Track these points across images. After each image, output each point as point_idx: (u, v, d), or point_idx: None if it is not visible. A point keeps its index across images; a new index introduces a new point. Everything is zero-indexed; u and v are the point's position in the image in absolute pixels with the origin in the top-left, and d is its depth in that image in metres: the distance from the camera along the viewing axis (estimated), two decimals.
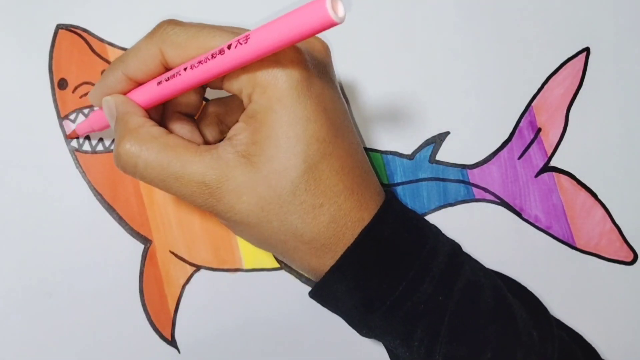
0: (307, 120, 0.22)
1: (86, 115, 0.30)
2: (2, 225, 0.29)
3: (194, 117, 0.27)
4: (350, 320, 0.27)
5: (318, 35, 0.19)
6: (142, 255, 0.30)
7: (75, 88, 0.30)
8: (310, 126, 0.22)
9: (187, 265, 0.31)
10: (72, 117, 0.30)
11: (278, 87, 0.22)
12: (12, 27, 0.29)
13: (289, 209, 0.23)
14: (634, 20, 0.33)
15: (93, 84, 0.30)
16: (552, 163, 0.33)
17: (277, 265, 0.31)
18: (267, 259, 0.31)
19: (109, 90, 0.25)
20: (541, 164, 0.33)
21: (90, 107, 0.30)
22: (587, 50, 0.33)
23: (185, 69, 0.22)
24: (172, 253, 0.31)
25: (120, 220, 0.30)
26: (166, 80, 0.23)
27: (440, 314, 0.25)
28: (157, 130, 0.24)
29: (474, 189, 0.33)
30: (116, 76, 0.25)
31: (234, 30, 0.23)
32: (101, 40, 0.30)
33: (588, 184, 0.33)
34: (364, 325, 0.26)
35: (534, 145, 0.33)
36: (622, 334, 0.34)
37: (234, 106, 0.27)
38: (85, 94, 0.30)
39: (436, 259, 0.26)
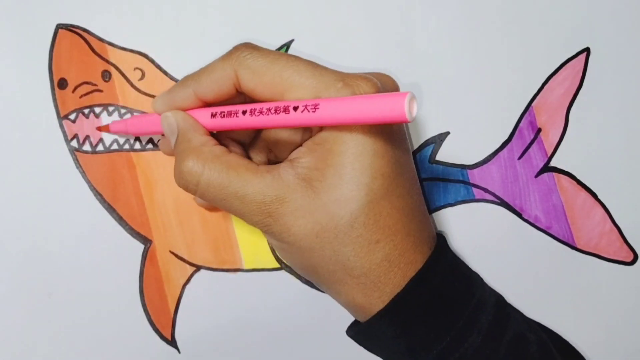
0: (374, 155, 0.22)
1: (86, 115, 0.30)
2: (2, 225, 0.29)
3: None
4: None
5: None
6: (142, 256, 0.30)
7: (75, 88, 0.30)
8: (377, 161, 0.22)
9: (187, 266, 0.31)
10: (71, 117, 0.30)
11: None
12: (12, 27, 0.29)
13: (344, 240, 0.23)
14: (634, 20, 0.33)
15: (93, 84, 0.30)
16: (552, 163, 0.33)
17: (277, 265, 0.31)
18: (267, 259, 0.31)
19: (174, 104, 0.26)
20: (541, 164, 0.33)
21: (90, 106, 0.30)
22: (587, 50, 0.33)
23: (244, 112, 0.23)
24: (172, 253, 0.31)
25: (120, 220, 0.30)
26: (221, 116, 0.24)
27: None
28: (219, 149, 0.24)
29: (474, 189, 0.33)
30: (186, 92, 0.25)
31: (311, 62, 0.23)
32: (101, 40, 0.30)
33: (588, 184, 0.33)
34: None
35: (534, 145, 0.33)
36: (622, 334, 0.34)
37: (285, 137, 0.27)
38: (86, 94, 0.30)
39: (484, 310, 0.26)
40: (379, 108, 0.18)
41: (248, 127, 0.23)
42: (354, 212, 0.22)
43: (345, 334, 0.29)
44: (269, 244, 0.31)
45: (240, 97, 0.25)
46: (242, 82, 0.24)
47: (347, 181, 0.22)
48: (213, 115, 0.24)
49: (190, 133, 0.24)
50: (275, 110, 0.21)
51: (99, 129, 0.30)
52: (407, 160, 0.25)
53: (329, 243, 0.23)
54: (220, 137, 0.27)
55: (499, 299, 0.29)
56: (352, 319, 0.29)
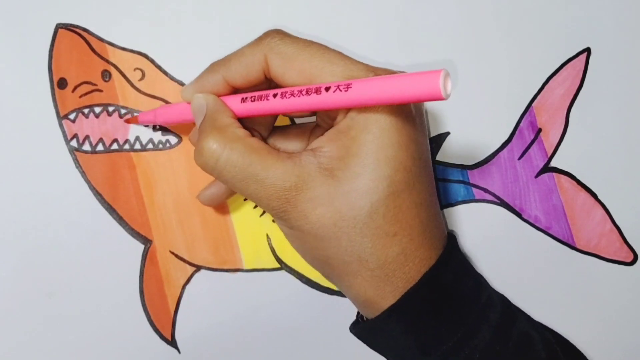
0: (399, 147, 0.22)
1: (86, 115, 0.30)
2: (1, 225, 0.29)
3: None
4: (400, 358, 0.27)
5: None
6: (143, 256, 0.30)
7: (75, 87, 0.30)
8: (401, 153, 0.22)
9: (187, 266, 0.31)
10: (71, 116, 0.30)
11: (379, 109, 0.22)
12: (11, 26, 0.29)
13: (362, 230, 0.23)
14: (635, 20, 0.34)
15: (93, 84, 0.30)
16: (552, 163, 0.33)
17: (277, 265, 0.32)
18: (267, 260, 0.31)
19: (203, 90, 0.26)
20: (541, 165, 0.33)
21: (90, 106, 0.30)
22: (587, 50, 0.34)
23: (274, 96, 0.22)
24: (172, 253, 0.31)
25: (120, 220, 0.30)
26: (251, 101, 0.23)
27: None
28: (242, 131, 0.24)
29: (474, 190, 0.33)
30: (215, 78, 0.25)
31: (340, 52, 0.23)
32: (101, 39, 0.30)
33: (588, 185, 0.34)
34: None
35: (534, 145, 0.33)
36: (622, 334, 0.34)
37: (304, 129, 0.28)
38: (85, 94, 0.30)
39: (493, 308, 0.26)
40: (414, 86, 0.18)
41: (278, 111, 0.23)
42: (375, 203, 0.22)
43: (342, 333, 0.29)
44: (284, 235, 0.31)
45: (267, 83, 0.25)
46: (271, 68, 0.24)
47: (369, 171, 0.22)
48: (243, 100, 0.24)
49: (217, 114, 0.24)
50: (307, 92, 0.21)
51: (127, 121, 0.30)
52: (428, 156, 0.25)
53: (346, 233, 0.23)
54: (244, 125, 0.27)
55: (503, 299, 0.29)
56: (350, 319, 0.29)
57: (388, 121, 0.22)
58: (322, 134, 0.24)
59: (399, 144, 0.22)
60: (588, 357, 0.33)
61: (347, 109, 0.23)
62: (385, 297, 0.24)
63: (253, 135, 0.25)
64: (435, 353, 0.25)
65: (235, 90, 0.26)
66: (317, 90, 0.21)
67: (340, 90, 0.20)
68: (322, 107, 0.21)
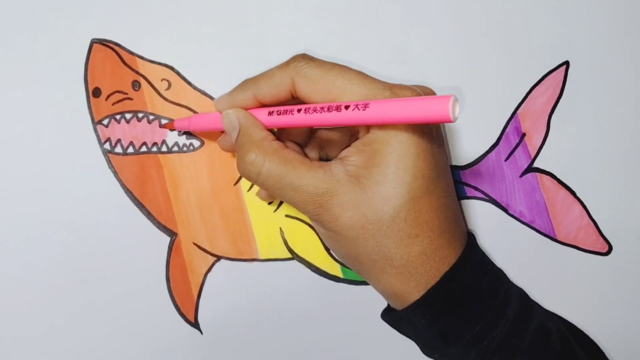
0: (417, 157, 0.23)
1: (118, 121, 0.30)
2: (43, 221, 0.30)
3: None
4: (425, 345, 0.27)
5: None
6: (169, 247, 0.31)
7: (108, 96, 0.30)
8: (419, 162, 0.23)
9: (209, 256, 0.32)
10: (105, 122, 0.30)
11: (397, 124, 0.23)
12: (52, 41, 0.30)
13: (386, 232, 0.23)
14: (608, 37, 0.34)
15: (124, 93, 0.30)
16: (535, 164, 0.34)
17: (289, 255, 0.32)
18: (280, 250, 0.32)
19: (234, 104, 0.27)
20: (525, 165, 0.34)
21: (121, 113, 0.30)
22: (566, 63, 0.34)
23: (299, 110, 0.23)
24: (195, 244, 0.31)
25: (148, 215, 0.31)
26: (277, 114, 0.24)
27: (513, 354, 0.26)
28: (277, 144, 0.25)
29: (466, 188, 0.34)
30: (246, 95, 0.26)
31: (361, 72, 0.24)
32: (131, 53, 0.31)
33: (568, 183, 0.34)
34: (438, 352, 0.27)
35: (519, 148, 0.34)
36: (599, 318, 0.35)
37: (335, 138, 0.29)
38: (117, 102, 0.30)
39: (511, 302, 0.27)
40: (425, 109, 0.18)
41: (302, 124, 0.23)
42: (396, 207, 0.23)
43: (348, 317, 0.30)
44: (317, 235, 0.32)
45: (294, 101, 0.26)
46: (298, 89, 0.24)
47: (391, 180, 0.23)
48: (270, 114, 0.25)
49: (251, 129, 0.25)
50: (328, 109, 0.22)
51: (164, 126, 0.31)
52: (445, 164, 0.26)
53: (372, 235, 0.23)
54: (279, 136, 0.27)
55: (521, 293, 0.29)
56: (354, 304, 0.30)
57: (406, 134, 0.23)
58: (350, 145, 0.25)
59: (417, 155, 0.23)
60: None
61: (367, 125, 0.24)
62: (410, 292, 0.25)
63: (287, 147, 0.26)
64: (456, 343, 0.25)
65: (262, 106, 0.27)
66: (338, 108, 0.21)
67: (359, 109, 0.20)
68: (341, 123, 0.22)
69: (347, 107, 0.21)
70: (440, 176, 0.24)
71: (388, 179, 0.23)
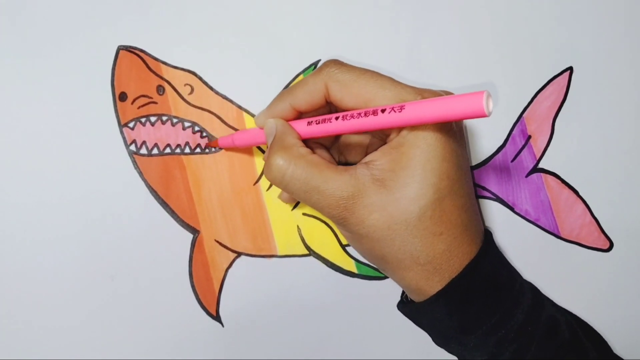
0: (442, 159, 0.23)
1: (143, 124, 0.31)
2: (74, 218, 0.31)
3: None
4: (442, 335, 0.28)
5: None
6: (192, 244, 0.32)
7: (134, 100, 0.31)
8: (444, 164, 0.23)
9: (230, 252, 0.32)
10: (130, 125, 0.31)
11: (426, 127, 0.23)
12: (80, 48, 0.30)
13: (412, 232, 0.24)
14: (611, 44, 0.34)
15: (149, 97, 0.31)
16: (540, 165, 0.34)
17: (306, 252, 0.33)
18: (298, 247, 0.33)
19: (273, 115, 0.27)
20: (531, 166, 0.34)
21: (146, 116, 0.31)
22: (570, 69, 0.34)
23: (336, 118, 0.23)
24: (217, 241, 0.32)
25: (172, 213, 0.31)
26: (316, 124, 0.25)
27: (529, 341, 0.26)
28: (305, 150, 0.25)
29: (475, 187, 0.33)
30: (283, 105, 0.27)
31: (391, 78, 0.24)
32: (156, 59, 0.31)
33: (571, 183, 0.35)
34: (456, 342, 0.27)
35: (525, 150, 0.34)
36: (600, 311, 0.35)
37: (354, 142, 0.29)
38: (142, 106, 0.31)
39: (525, 294, 0.27)
40: (461, 105, 0.18)
41: (340, 131, 0.24)
42: (423, 207, 0.23)
43: (362, 310, 0.31)
44: (341, 237, 0.32)
45: (327, 107, 0.27)
46: (331, 94, 0.25)
47: (418, 181, 0.23)
48: (309, 124, 0.25)
49: (285, 135, 0.26)
50: (365, 114, 0.22)
51: (209, 144, 0.31)
52: (467, 166, 0.26)
53: (399, 235, 0.24)
54: (308, 142, 0.28)
55: (532, 287, 0.30)
56: (368, 298, 0.31)
57: (434, 138, 0.23)
58: (374, 150, 0.25)
59: (443, 156, 0.23)
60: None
61: (399, 129, 0.24)
62: (434, 286, 0.25)
63: (315, 152, 0.26)
64: (475, 332, 0.26)
65: (300, 114, 0.27)
66: (375, 112, 0.22)
67: (395, 112, 0.21)
68: (378, 126, 0.22)
69: (383, 111, 0.21)
70: (463, 177, 0.25)
71: (415, 180, 0.23)
